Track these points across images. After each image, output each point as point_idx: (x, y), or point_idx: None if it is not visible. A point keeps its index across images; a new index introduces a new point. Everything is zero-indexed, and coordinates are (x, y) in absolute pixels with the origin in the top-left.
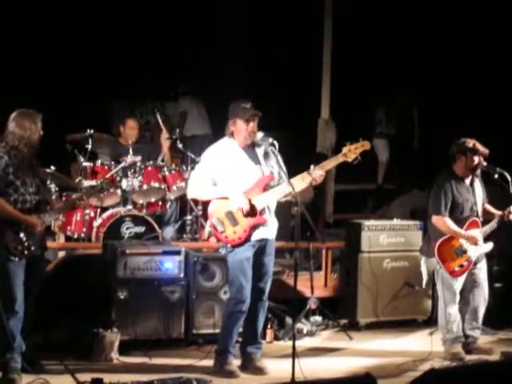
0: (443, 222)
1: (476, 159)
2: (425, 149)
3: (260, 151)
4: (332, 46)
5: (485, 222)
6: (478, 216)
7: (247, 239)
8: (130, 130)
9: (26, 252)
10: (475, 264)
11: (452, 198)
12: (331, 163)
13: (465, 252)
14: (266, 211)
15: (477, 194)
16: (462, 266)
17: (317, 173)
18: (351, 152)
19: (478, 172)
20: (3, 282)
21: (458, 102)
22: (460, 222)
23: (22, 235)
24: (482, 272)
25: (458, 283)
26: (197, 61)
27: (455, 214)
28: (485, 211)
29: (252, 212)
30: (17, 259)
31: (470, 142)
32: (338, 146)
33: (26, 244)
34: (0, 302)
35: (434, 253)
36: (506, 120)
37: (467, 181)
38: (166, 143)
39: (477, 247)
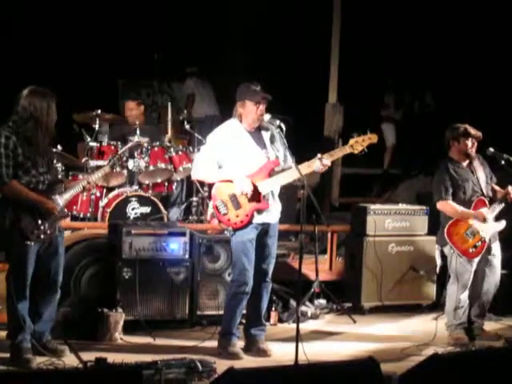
0: (448, 205)
1: (469, 143)
2: (432, 134)
3: (266, 135)
4: (340, 30)
5: (493, 202)
6: (483, 195)
7: (249, 223)
8: (130, 111)
9: (42, 236)
10: (489, 249)
11: (451, 181)
12: (338, 153)
13: (477, 233)
14: (270, 196)
15: (479, 175)
16: (475, 246)
17: (327, 160)
18: (358, 144)
19: (474, 155)
20: (17, 266)
21: (472, 87)
22: (466, 203)
23: (38, 219)
24: (495, 258)
25: (473, 267)
26: (204, 42)
27: (459, 196)
28: (492, 191)
29: (255, 196)
30: (32, 244)
31: (461, 127)
32: (345, 130)
33: (43, 228)
34: (12, 285)
35: (445, 239)
36: None
37: (465, 163)
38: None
39: (489, 226)
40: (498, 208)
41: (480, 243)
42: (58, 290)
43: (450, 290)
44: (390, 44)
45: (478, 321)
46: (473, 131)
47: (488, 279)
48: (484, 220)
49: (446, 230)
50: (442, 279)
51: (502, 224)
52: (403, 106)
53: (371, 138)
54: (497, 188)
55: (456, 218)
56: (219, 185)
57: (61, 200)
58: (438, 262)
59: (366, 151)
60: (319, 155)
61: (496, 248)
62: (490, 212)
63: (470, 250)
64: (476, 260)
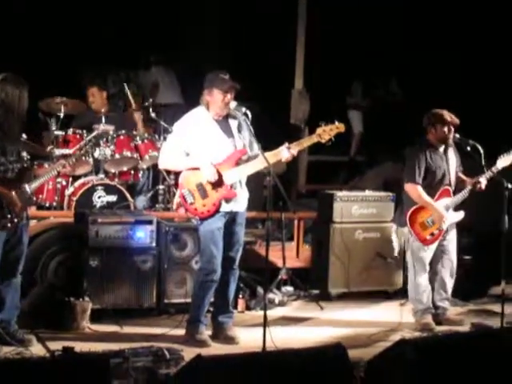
0: (416, 190)
1: (446, 130)
2: (398, 121)
3: (234, 123)
4: (307, 16)
5: (457, 191)
6: (450, 185)
7: (216, 212)
8: (92, 97)
9: (9, 225)
10: (445, 235)
11: (425, 166)
12: (305, 142)
13: (436, 221)
14: (237, 185)
15: (450, 163)
16: (433, 234)
17: (295, 149)
18: (326, 133)
19: (451, 142)
20: None
21: (439, 74)
22: (432, 189)
23: (4, 208)
24: (451, 244)
25: (428, 253)
26: (169, 30)
27: (427, 181)
28: (458, 179)
29: (221, 185)
30: None
31: (438, 113)
32: (312, 117)
33: (9, 216)
34: None
35: (405, 221)
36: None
37: (441, 149)
38: (139, 117)
39: (448, 216)
40: (460, 198)
41: (437, 231)
42: (18, 276)
43: (410, 275)
44: (357, 30)
45: (442, 306)
46: (449, 118)
47: (445, 264)
48: (442, 221)
49: (408, 214)
50: (404, 265)
51: (461, 215)
52: (370, 93)
53: (339, 128)
54: (463, 177)
55: (420, 204)
56: (186, 173)
57: (29, 188)
58: (396, 244)
59: (333, 140)
60: (286, 144)
61: (451, 235)
62: (453, 201)
63: (428, 237)
64: (432, 247)
